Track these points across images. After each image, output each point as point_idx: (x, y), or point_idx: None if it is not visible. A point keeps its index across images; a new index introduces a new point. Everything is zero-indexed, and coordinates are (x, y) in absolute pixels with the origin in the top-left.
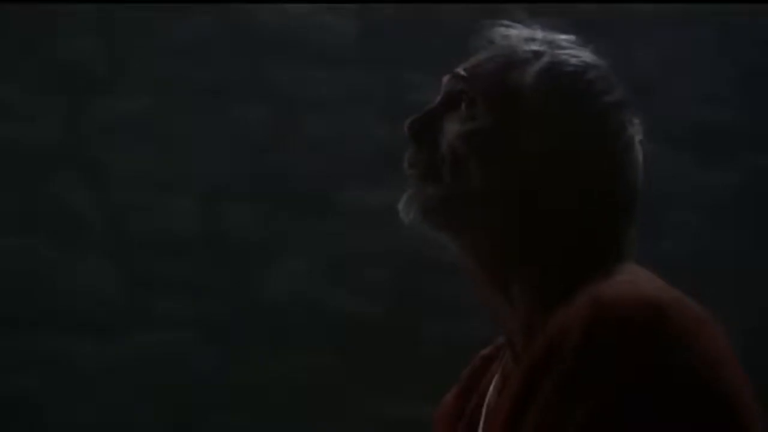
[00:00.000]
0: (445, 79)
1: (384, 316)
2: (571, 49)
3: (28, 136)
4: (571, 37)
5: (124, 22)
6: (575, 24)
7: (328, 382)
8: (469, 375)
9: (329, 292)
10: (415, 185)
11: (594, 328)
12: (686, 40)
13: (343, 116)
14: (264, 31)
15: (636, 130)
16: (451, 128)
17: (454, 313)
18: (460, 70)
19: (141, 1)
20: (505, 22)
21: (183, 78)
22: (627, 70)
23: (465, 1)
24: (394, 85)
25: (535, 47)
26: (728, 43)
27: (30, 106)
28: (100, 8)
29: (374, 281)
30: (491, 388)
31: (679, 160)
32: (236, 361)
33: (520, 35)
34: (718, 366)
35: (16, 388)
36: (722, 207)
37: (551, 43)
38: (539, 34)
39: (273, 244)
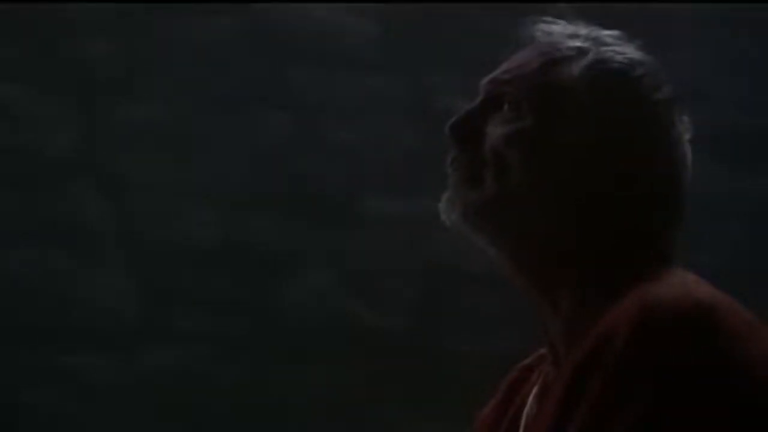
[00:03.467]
0: (486, 79)
1: (406, 330)
2: (616, 46)
3: (43, 143)
4: (617, 33)
5: (142, 25)
6: (607, 26)
7: (349, 398)
8: (508, 386)
9: (351, 304)
10: (456, 188)
11: (644, 328)
12: (723, 43)
13: (365, 122)
14: (284, 35)
15: (684, 129)
16: (494, 130)
17: (477, 326)
18: (502, 70)
19: (160, 2)
20: (548, 18)
21: (202, 83)
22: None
23: (490, 0)
24: (418, 90)
25: (579, 44)
26: (765, 46)
27: (45, 112)
28: (118, 11)
29: (397, 293)
30: (530, 398)
31: (716, 168)
32: (256, 377)
33: (563, 32)
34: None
35: (30, 404)
36: (762, 215)
37: (596, 40)
38: (583, 30)
39: (294, 255)
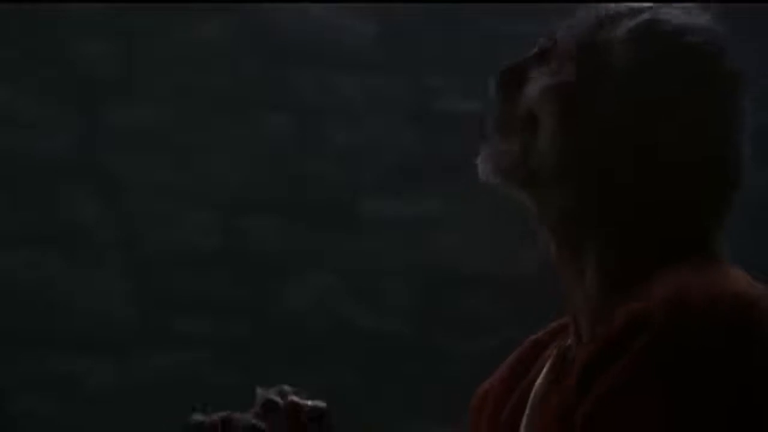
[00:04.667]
0: (542, 37)
1: (406, 332)
2: (678, 10)
3: (40, 146)
4: (692, 3)
5: (140, 27)
6: None
7: (349, 402)
8: (517, 360)
9: (350, 307)
10: (493, 141)
11: (679, 316)
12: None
13: (365, 123)
14: (283, 36)
15: (744, 108)
16: (538, 83)
17: (476, 328)
18: (559, 25)
19: (158, 2)
20: None
21: (201, 84)
22: None
23: (490, 0)
24: (419, 91)
25: (639, 5)
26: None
27: (42, 114)
28: (115, 13)
29: (396, 296)
30: (543, 372)
31: None
32: (255, 380)
33: None
34: None
35: (27, 409)
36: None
37: (656, 2)
38: None
39: (294, 257)
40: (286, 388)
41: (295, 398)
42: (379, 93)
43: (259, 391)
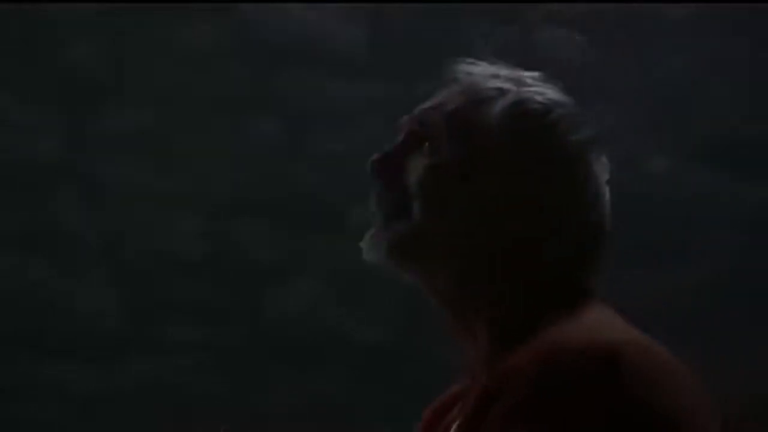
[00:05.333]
0: (407, 117)
1: (394, 339)
2: (536, 87)
3: (26, 151)
4: (537, 74)
5: (128, 31)
6: (607, 32)
7: (336, 407)
8: (433, 412)
9: (339, 315)
10: (381, 224)
11: (546, 371)
12: (723, 51)
13: (354, 129)
14: (273, 41)
15: (603, 169)
16: (416, 165)
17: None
18: (423, 108)
19: (146, 9)
20: (469, 59)
21: (189, 89)
22: (661, 81)
23: (481, 1)
24: (408, 96)
25: (499, 84)
26: (763, 55)
27: (28, 119)
28: (102, 18)
29: (385, 303)
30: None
31: (716, 176)
32: (242, 387)
33: (484, 72)
34: (679, 418)
35: (13, 414)
36: (761, 222)
37: (516, 80)
38: (504, 71)
39: (282, 264)
40: None
41: None
42: (368, 98)
43: None
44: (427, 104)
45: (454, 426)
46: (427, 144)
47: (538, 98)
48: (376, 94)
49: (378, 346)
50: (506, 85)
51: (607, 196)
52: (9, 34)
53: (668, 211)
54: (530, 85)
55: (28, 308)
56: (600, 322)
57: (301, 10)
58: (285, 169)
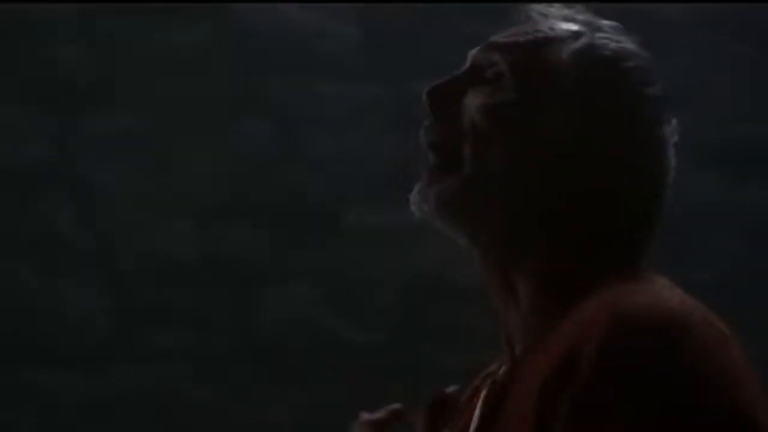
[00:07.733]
0: (475, 50)
1: (387, 345)
2: (612, 34)
3: (14, 153)
4: (614, 24)
5: (117, 31)
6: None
7: (329, 415)
8: (464, 402)
9: (334, 320)
10: (432, 173)
11: (614, 341)
12: (720, 51)
13: (347, 131)
14: (264, 42)
15: (671, 131)
16: (475, 102)
17: (460, 341)
18: (491, 41)
19: (136, 10)
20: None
21: (179, 90)
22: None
23: (473, 1)
24: (402, 98)
25: (574, 27)
26: (763, 56)
27: (15, 121)
28: (91, 17)
29: (381, 308)
30: (479, 404)
31: (712, 179)
32: (234, 394)
33: (560, 13)
34: (739, 386)
35: (2, 422)
36: (760, 226)
37: (591, 25)
38: (580, 15)
39: (275, 269)
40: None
41: None
42: (362, 100)
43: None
44: (496, 38)
45: (480, 401)
46: (491, 79)
47: (612, 45)
48: (371, 95)
49: (373, 351)
50: (581, 29)
51: (673, 159)
52: None
53: (668, 213)
54: (606, 32)
55: (17, 314)
56: (658, 290)
57: (295, 12)
58: (278, 172)
